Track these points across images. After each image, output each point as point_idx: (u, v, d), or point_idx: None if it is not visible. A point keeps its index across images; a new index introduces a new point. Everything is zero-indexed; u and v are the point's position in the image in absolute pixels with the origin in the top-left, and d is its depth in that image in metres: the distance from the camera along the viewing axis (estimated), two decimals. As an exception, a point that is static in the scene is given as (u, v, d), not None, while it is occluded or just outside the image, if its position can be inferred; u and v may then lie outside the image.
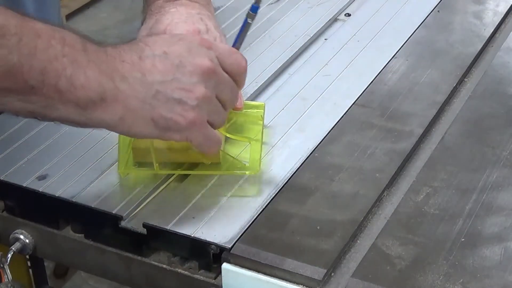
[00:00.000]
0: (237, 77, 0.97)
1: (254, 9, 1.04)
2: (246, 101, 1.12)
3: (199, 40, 0.96)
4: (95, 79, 0.89)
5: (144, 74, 0.91)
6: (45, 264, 1.41)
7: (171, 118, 0.92)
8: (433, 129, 1.15)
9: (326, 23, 1.39)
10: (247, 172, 1.05)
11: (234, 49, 1.00)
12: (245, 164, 1.05)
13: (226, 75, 0.96)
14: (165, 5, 1.14)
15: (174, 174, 1.06)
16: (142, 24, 1.16)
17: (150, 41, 0.95)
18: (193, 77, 0.93)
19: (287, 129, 1.14)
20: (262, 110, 1.11)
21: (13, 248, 1.05)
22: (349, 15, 1.42)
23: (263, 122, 1.10)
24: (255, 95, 1.22)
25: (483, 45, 1.32)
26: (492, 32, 1.36)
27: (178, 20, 1.11)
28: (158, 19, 1.12)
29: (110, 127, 0.93)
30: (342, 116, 1.16)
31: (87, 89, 0.89)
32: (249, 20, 1.04)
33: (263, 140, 1.09)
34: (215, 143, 0.97)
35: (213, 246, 0.95)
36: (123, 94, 0.90)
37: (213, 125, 0.96)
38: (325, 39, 1.36)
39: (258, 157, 1.05)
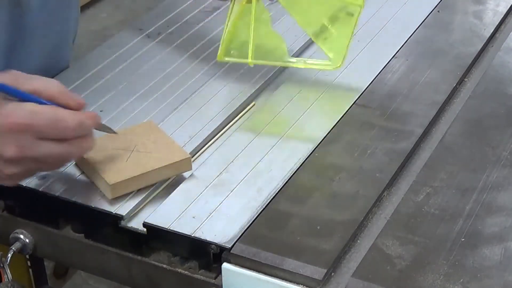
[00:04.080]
0: (70, 137, 0.96)
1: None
2: None
3: (9, 126, 0.93)
4: None
5: None
6: (45, 264, 1.41)
7: None
8: (433, 129, 1.15)
9: (326, 23, 1.39)
10: (327, 67, 1.13)
11: (59, 115, 0.95)
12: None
13: (42, 149, 0.95)
14: None
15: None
16: None
17: None
18: (0, 161, 0.95)
19: (287, 129, 1.14)
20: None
21: (13, 248, 1.05)
22: (349, 15, 1.42)
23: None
24: (255, 95, 1.22)
25: (483, 45, 1.32)
26: (492, 32, 1.36)
27: None
28: None
29: None
30: (342, 116, 1.16)
31: None
32: None
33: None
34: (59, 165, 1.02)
35: (213, 246, 0.95)
36: None
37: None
38: (325, 39, 1.36)
39: (343, 47, 1.12)
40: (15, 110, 0.94)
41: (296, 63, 1.19)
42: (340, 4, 1.16)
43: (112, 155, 1.04)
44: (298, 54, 1.31)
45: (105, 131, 1.04)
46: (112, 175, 1.01)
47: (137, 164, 1.03)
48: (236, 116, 1.17)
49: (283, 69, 1.27)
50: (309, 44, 1.34)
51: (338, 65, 1.16)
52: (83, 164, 1.05)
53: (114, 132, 1.05)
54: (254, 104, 1.19)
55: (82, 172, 1.06)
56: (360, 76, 1.25)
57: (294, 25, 1.37)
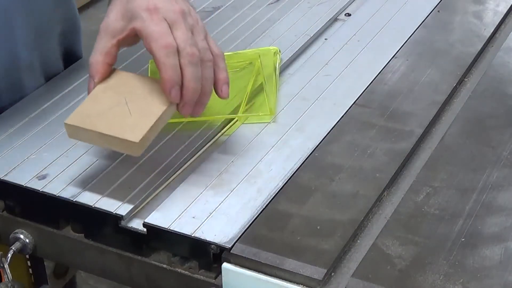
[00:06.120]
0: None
1: None
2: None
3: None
4: None
5: None
6: (45, 264, 1.41)
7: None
8: (433, 129, 1.15)
9: (326, 23, 1.39)
10: (260, 114, 1.13)
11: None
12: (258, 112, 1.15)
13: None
14: None
15: (174, 174, 1.06)
16: None
17: None
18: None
19: (287, 129, 1.14)
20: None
21: (13, 248, 1.05)
22: (349, 15, 1.42)
23: (277, 65, 1.20)
24: (255, 94, 1.22)
25: (483, 45, 1.32)
26: (492, 32, 1.36)
27: None
28: None
29: None
30: (342, 116, 1.16)
31: None
32: None
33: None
34: None
35: (213, 246, 0.95)
36: None
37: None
38: (325, 39, 1.36)
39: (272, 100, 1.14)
40: None
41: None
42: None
43: (113, 115, 1.01)
44: (300, 52, 1.32)
45: None
46: (132, 132, 0.98)
47: (144, 113, 1.01)
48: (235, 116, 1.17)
49: (282, 69, 1.27)
50: (310, 43, 1.34)
51: (273, 115, 1.16)
52: (91, 138, 1.01)
53: None
54: (253, 103, 1.19)
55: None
56: (360, 76, 1.25)
57: (294, 25, 1.38)
